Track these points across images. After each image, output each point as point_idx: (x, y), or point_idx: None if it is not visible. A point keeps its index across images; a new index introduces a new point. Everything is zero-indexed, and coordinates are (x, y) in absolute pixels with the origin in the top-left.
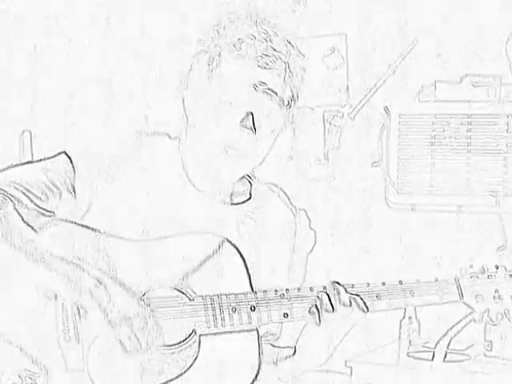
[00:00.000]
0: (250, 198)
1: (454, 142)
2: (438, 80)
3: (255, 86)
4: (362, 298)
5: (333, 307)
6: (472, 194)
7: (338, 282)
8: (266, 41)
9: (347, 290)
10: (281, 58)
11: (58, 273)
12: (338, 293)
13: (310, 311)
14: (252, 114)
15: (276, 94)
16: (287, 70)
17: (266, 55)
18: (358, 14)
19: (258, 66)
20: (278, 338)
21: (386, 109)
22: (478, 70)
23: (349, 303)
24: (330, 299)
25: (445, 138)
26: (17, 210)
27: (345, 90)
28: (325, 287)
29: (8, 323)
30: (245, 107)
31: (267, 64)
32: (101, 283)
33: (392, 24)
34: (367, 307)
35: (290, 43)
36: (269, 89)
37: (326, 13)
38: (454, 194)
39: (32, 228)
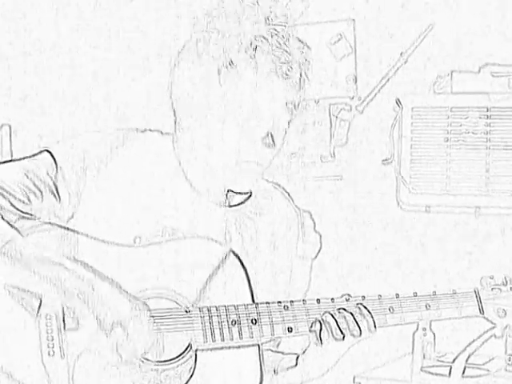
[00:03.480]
0: (249, 197)
1: (471, 138)
2: (454, 70)
3: (281, 106)
4: (372, 316)
5: (342, 332)
6: (492, 194)
7: (349, 295)
8: (280, 44)
9: (358, 303)
10: (297, 63)
11: (44, 275)
12: (346, 321)
13: (310, 329)
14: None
15: (295, 108)
16: (303, 74)
17: (283, 63)
18: None
19: (276, 75)
20: (278, 344)
21: (398, 101)
22: (498, 58)
23: (359, 333)
24: (337, 322)
25: (462, 133)
26: None
27: (353, 80)
28: (333, 299)
29: None
30: (265, 123)
31: (286, 74)
32: (91, 284)
33: (404, 8)
34: (375, 326)
35: (301, 42)
36: (291, 104)
37: None
38: (472, 194)
39: (16, 230)
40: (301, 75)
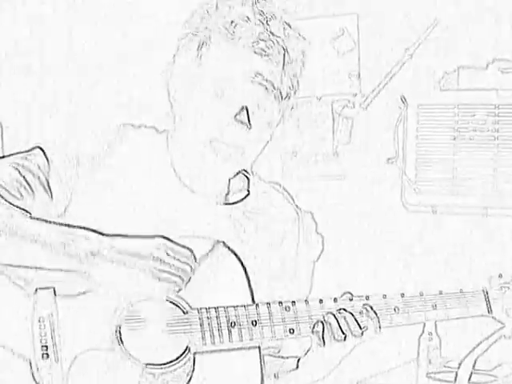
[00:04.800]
0: (247, 195)
1: (479, 136)
2: (461, 66)
3: (251, 78)
4: (378, 317)
5: (343, 332)
6: (500, 194)
7: (350, 293)
8: (263, 23)
9: (363, 303)
10: (279, 43)
11: (51, 244)
12: (347, 322)
13: (313, 330)
14: (247, 108)
15: (273, 86)
16: (286, 56)
17: (263, 40)
18: None
19: (254, 52)
20: (279, 351)
21: (403, 98)
22: (507, 54)
23: (360, 333)
24: (338, 323)
25: (469, 131)
26: None
27: (356, 76)
28: (336, 299)
29: None
30: (238, 99)
31: (264, 50)
32: (109, 244)
33: (409, 2)
34: (380, 327)
35: (288, 25)
36: (266, 80)
37: None
38: (480, 194)
39: (22, 208)
40: (285, 59)
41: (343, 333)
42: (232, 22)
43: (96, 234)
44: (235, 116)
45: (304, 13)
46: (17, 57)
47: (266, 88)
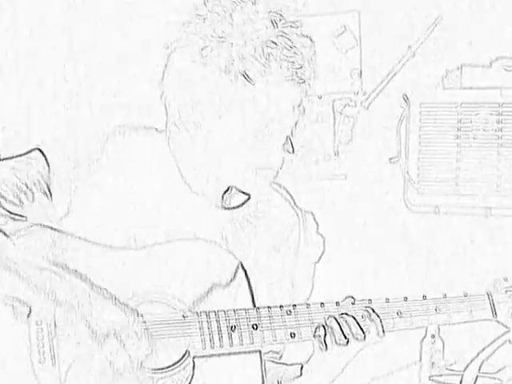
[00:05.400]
0: (248, 199)
1: (482, 135)
2: (464, 64)
3: (294, 108)
4: (381, 321)
5: (345, 337)
6: (503, 194)
7: (353, 297)
8: (291, 47)
9: (365, 306)
10: (308, 62)
11: (34, 282)
12: (349, 326)
13: (314, 335)
14: (290, 138)
15: (304, 109)
16: (311, 73)
17: (297, 68)
18: None
19: (293, 83)
20: (280, 357)
21: (405, 97)
22: (511, 52)
23: (363, 336)
24: (340, 327)
25: (472, 131)
26: None
27: (358, 75)
28: (338, 303)
29: None
30: (285, 129)
31: (301, 78)
32: (85, 295)
33: None
34: (383, 331)
35: (306, 36)
36: (304, 108)
37: None
38: (483, 194)
39: (3, 233)
40: (311, 76)
41: (345, 337)
42: (263, 51)
43: None
44: (284, 145)
45: (304, 10)
46: (16, 56)
47: (303, 111)
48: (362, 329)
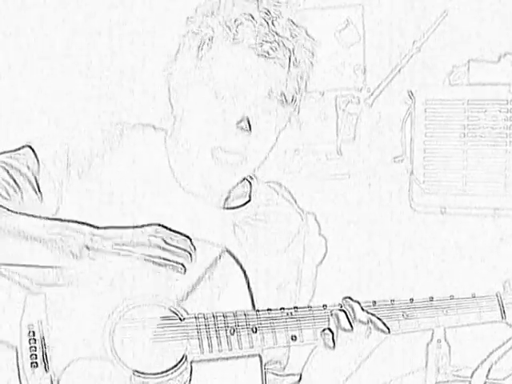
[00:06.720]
0: (249, 200)
1: (490, 133)
2: (471, 59)
3: (254, 82)
4: (379, 318)
5: (351, 325)
6: (511, 194)
7: (350, 298)
8: (267, 23)
9: (367, 309)
10: (284, 45)
11: (42, 239)
12: (353, 309)
13: (322, 333)
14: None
15: (277, 89)
16: (292, 58)
17: (267, 41)
18: None
19: (257, 54)
20: (284, 368)
21: (410, 93)
22: None
23: (366, 320)
24: (347, 316)
25: (480, 128)
26: None
27: (361, 71)
28: (340, 305)
29: None
30: (240, 105)
31: (268, 53)
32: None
33: None
34: (388, 327)
35: (295, 25)
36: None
37: None
38: (491, 194)
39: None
40: (290, 60)
41: (350, 325)
42: (235, 20)
43: (88, 227)
44: (237, 123)
45: (306, 4)
46: (15, 56)
47: (270, 92)
48: (367, 312)
